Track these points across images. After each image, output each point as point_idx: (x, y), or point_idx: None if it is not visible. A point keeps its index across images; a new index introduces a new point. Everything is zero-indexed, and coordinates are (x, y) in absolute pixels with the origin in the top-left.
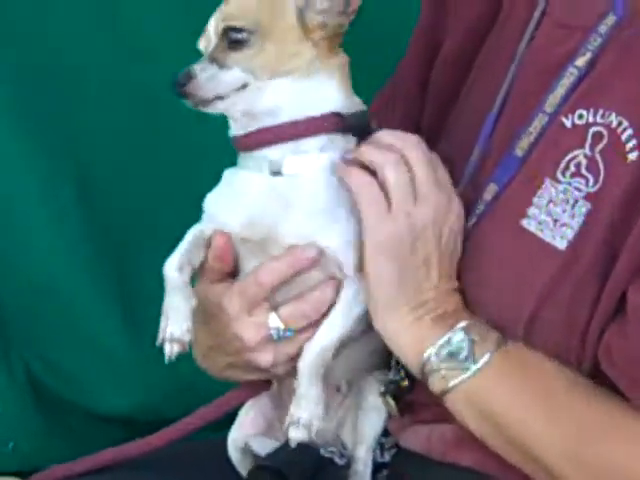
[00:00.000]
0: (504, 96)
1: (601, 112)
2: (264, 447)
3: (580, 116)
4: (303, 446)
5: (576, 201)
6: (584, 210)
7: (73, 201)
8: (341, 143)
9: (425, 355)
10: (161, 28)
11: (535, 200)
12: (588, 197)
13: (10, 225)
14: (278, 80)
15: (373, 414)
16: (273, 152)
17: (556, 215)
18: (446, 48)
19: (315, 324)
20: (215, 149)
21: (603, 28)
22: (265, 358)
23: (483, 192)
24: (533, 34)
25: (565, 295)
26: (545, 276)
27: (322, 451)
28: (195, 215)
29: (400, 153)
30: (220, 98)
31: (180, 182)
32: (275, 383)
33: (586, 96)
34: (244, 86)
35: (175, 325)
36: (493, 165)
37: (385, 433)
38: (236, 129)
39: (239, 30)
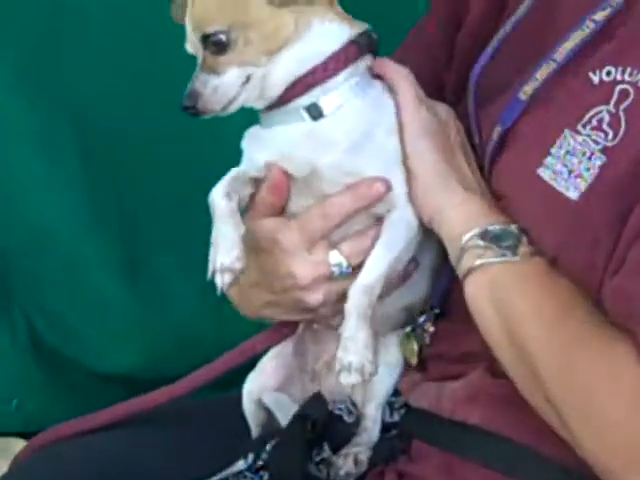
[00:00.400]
0: (510, 30)
1: (629, 70)
2: (277, 403)
3: (608, 73)
4: (315, 402)
5: (592, 153)
6: (599, 163)
7: (74, 153)
8: (363, 65)
9: (473, 231)
10: None
11: (553, 150)
12: (604, 150)
13: (10, 181)
14: (278, 57)
15: (385, 371)
16: (304, 100)
17: (571, 166)
18: (471, 16)
19: None
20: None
21: None
22: (315, 297)
23: (491, 133)
24: None
25: (580, 244)
26: (560, 226)
27: (331, 407)
28: (200, 160)
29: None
30: (232, 100)
31: (182, 129)
32: (300, 328)
33: (615, 53)
34: (248, 78)
35: (225, 254)
36: (496, 106)
37: (395, 393)
38: (262, 104)
39: (215, 34)
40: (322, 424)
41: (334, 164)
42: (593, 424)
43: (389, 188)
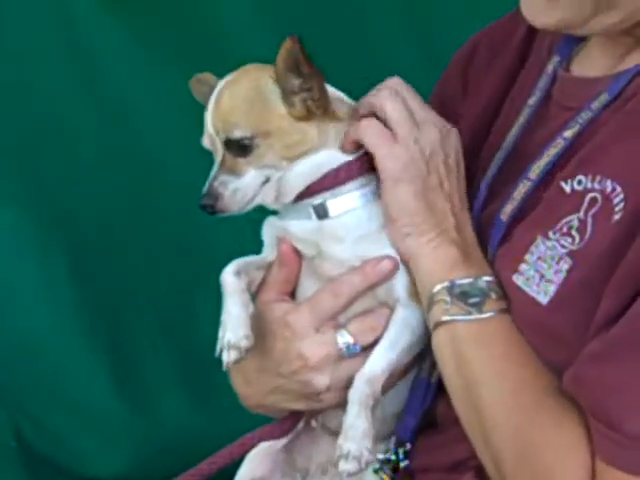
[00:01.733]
0: (502, 159)
1: (598, 178)
2: None
3: (579, 182)
4: None
5: (560, 258)
6: (566, 266)
7: (66, 268)
8: (372, 177)
9: (442, 284)
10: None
11: (527, 257)
12: (570, 254)
13: (2, 291)
14: (297, 163)
15: None
16: (314, 201)
17: (542, 270)
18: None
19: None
20: (211, 220)
21: (595, 105)
22: (323, 379)
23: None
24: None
25: (547, 346)
26: (529, 328)
27: None
28: (187, 284)
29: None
30: (250, 201)
31: (173, 251)
32: (300, 426)
33: (586, 162)
34: (267, 180)
35: (232, 332)
36: (489, 226)
37: None
38: (277, 206)
39: (239, 139)
40: None
41: (335, 252)
42: None
43: (396, 267)
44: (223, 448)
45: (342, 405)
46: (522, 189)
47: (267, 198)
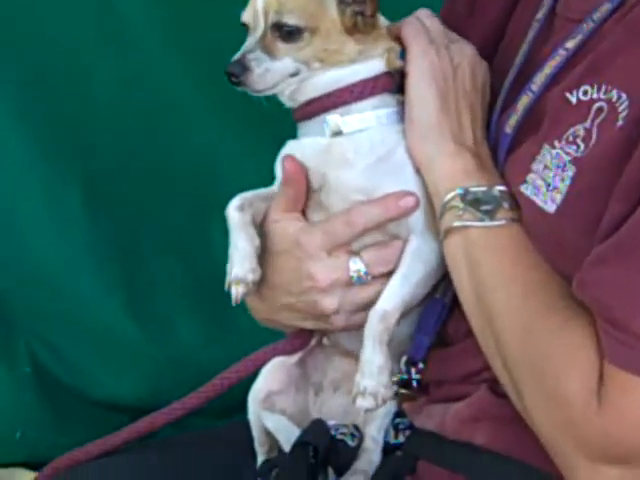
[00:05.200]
0: (513, 77)
1: (604, 88)
2: (277, 426)
3: (585, 92)
4: (316, 427)
5: (565, 165)
6: (570, 173)
7: (78, 194)
8: (391, 101)
9: (455, 191)
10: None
11: (533, 166)
12: (574, 161)
13: (15, 218)
14: (327, 70)
15: None
16: (330, 116)
17: (548, 179)
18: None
19: (388, 275)
20: (224, 152)
21: (597, 15)
22: (331, 302)
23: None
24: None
25: (556, 255)
26: (538, 238)
27: (334, 432)
28: (201, 208)
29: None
30: (273, 86)
31: (185, 176)
32: (312, 343)
33: (591, 72)
34: (295, 74)
35: (239, 266)
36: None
37: (399, 414)
38: (289, 103)
39: (291, 25)
40: (324, 450)
41: (343, 181)
42: (546, 397)
43: (418, 204)
44: (235, 364)
45: (352, 329)
46: (525, 100)
47: (285, 91)
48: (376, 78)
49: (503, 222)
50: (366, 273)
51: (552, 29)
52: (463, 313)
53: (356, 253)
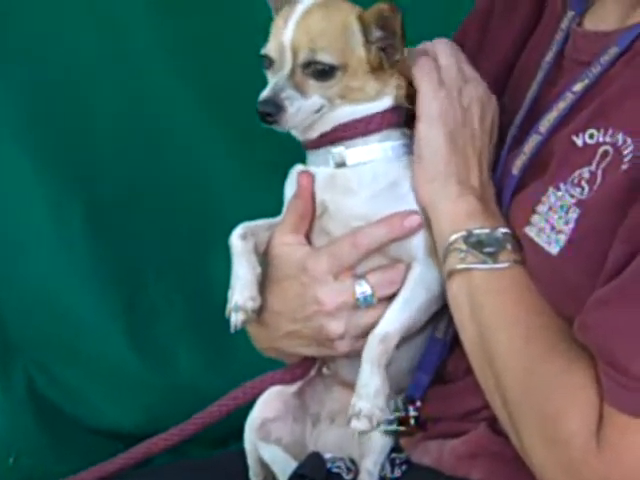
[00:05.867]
0: (522, 118)
1: (610, 132)
2: (273, 457)
3: (591, 135)
4: (312, 460)
5: (569, 207)
6: (574, 216)
7: (82, 221)
8: (397, 134)
9: (459, 233)
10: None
11: (538, 208)
12: (579, 203)
13: (16, 240)
14: (347, 105)
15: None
16: (335, 149)
17: (553, 221)
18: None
19: (393, 299)
20: (226, 180)
21: (605, 58)
22: (337, 326)
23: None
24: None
25: (558, 296)
26: (539, 281)
27: (330, 465)
28: (202, 237)
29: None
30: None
31: (188, 205)
32: (312, 373)
33: (598, 116)
34: (319, 110)
35: (239, 294)
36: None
37: (396, 449)
38: (300, 136)
39: (325, 64)
40: None
41: (345, 208)
42: (545, 438)
43: (422, 223)
44: (232, 391)
45: (354, 355)
46: (532, 143)
47: (305, 124)
48: (384, 113)
49: (506, 265)
50: (372, 295)
51: (561, 71)
52: (464, 351)
53: (361, 276)
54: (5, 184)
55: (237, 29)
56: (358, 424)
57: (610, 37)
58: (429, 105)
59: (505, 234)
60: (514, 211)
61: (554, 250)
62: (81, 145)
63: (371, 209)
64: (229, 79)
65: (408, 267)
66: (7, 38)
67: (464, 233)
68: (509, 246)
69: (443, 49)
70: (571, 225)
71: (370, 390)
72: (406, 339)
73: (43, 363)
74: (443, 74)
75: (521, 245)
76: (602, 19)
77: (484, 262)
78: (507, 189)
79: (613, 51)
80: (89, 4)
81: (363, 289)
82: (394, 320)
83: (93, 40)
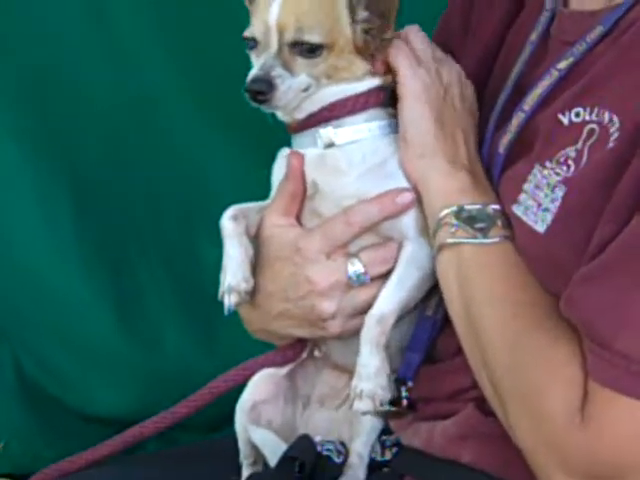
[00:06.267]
0: (505, 98)
1: (596, 110)
2: (263, 440)
3: (577, 114)
4: (302, 443)
5: (555, 185)
6: (561, 193)
7: (68, 202)
8: (382, 113)
9: (450, 208)
10: (152, 39)
11: (525, 186)
12: (565, 181)
13: (4, 226)
14: (333, 85)
15: None
16: (323, 129)
17: (539, 199)
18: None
19: (385, 277)
20: (213, 162)
21: (590, 37)
22: (329, 305)
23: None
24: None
25: (546, 274)
26: (527, 258)
27: (320, 448)
28: (190, 218)
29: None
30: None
31: (175, 186)
32: (303, 356)
33: (584, 94)
34: (306, 89)
35: (232, 275)
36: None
37: (386, 431)
38: (286, 117)
39: (312, 43)
40: (310, 465)
41: (336, 188)
42: (529, 413)
43: (414, 200)
44: (224, 373)
45: (346, 337)
46: (516, 121)
47: (292, 104)
48: (369, 93)
49: (496, 240)
50: (364, 273)
51: (546, 51)
52: (453, 330)
53: (354, 255)
54: None
55: (231, 22)
56: (361, 405)
57: (595, 16)
58: (411, 84)
59: (496, 210)
60: (502, 189)
61: (541, 228)
62: (66, 127)
63: (361, 188)
64: (217, 64)
65: (400, 246)
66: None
67: (455, 208)
68: (499, 222)
69: (415, 34)
70: (557, 203)
71: (370, 370)
72: (397, 318)
73: (31, 347)
74: (418, 54)
75: (510, 222)
76: None
77: (474, 237)
78: (495, 168)
79: (598, 30)
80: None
81: (355, 268)
82: (390, 300)
83: (87, 36)
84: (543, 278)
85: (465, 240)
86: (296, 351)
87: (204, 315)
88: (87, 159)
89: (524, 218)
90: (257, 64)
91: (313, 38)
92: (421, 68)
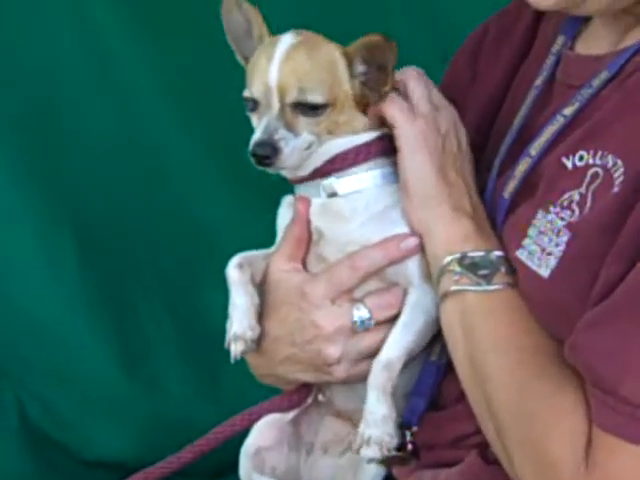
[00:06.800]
0: (510, 142)
1: (600, 154)
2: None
3: (581, 157)
4: None
5: (559, 230)
6: (565, 239)
7: (70, 246)
8: (384, 162)
9: (453, 255)
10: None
11: (529, 232)
12: (569, 225)
13: (8, 269)
14: (334, 139)
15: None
16: (326, 181)
17: (543, 244)
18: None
19: (390, 323)
20: (216, 207)
21: (595, 82)
22: (335, 349)
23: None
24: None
25: (549, 318)
26: (531, 303)
27: None
28: (193, 264)
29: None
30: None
31: (178, 231)
32: (308, 402)
33: (588, 138)
34: (309, 147)
35: (238, 323)
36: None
37: (389, 478)
38: (289, 175)
39: (314, 103)
40: None
41: (339, 234)
42: (534, 461)
43: (419, 245)
44: (230, 418)
45: (350, 382)
46: (522, 166)
47: (296, 164)
48: (370, 143)
49: (500, 287)
50: (370, 319)
51: (551, 95)
52: (455, 376)
53: (359, 300)
54: None
55: (233, 73)
56: (368, 451)
57: (601, 61)
58: (408, 134)
59: (499, 257)
60: (506, 234)
61: (545, 272)
62: (68, 174)
63: (365, 234)
64: (219, 111)
65: (405, 291)
66: None
67: (458, 255)
68: (503, 269)
69: (412, 77)
70: (561, 247)
71: (378, 417)
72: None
73: (34, 391)
74: (416, 103)
75: (514, 268)
76: (594, 43)
77: (478, 284)
78: (499, 213)
79: (604, 75)
80: (81, 31)
81: (361, 313)
82: (396, 345)
83: (89, 73)
84: (548, 323)
85: (468, 288)
86: (302, 396)
87: (207, 360)
88: (89, 204)
89: (528, 263)
90: (259, 126)
91: (316, 98)
92: (418, 119)
